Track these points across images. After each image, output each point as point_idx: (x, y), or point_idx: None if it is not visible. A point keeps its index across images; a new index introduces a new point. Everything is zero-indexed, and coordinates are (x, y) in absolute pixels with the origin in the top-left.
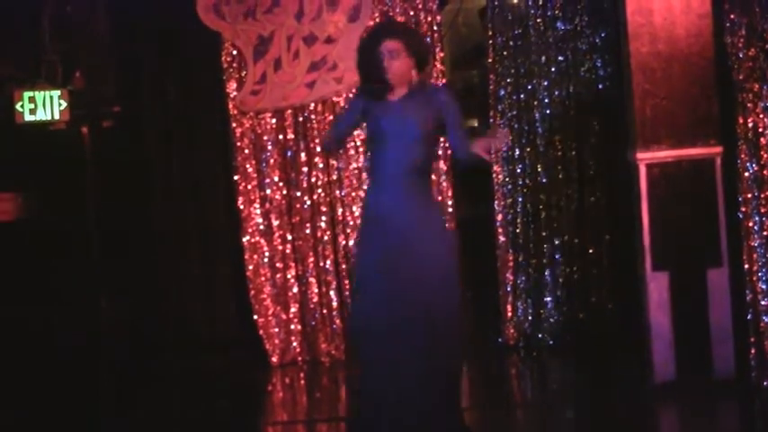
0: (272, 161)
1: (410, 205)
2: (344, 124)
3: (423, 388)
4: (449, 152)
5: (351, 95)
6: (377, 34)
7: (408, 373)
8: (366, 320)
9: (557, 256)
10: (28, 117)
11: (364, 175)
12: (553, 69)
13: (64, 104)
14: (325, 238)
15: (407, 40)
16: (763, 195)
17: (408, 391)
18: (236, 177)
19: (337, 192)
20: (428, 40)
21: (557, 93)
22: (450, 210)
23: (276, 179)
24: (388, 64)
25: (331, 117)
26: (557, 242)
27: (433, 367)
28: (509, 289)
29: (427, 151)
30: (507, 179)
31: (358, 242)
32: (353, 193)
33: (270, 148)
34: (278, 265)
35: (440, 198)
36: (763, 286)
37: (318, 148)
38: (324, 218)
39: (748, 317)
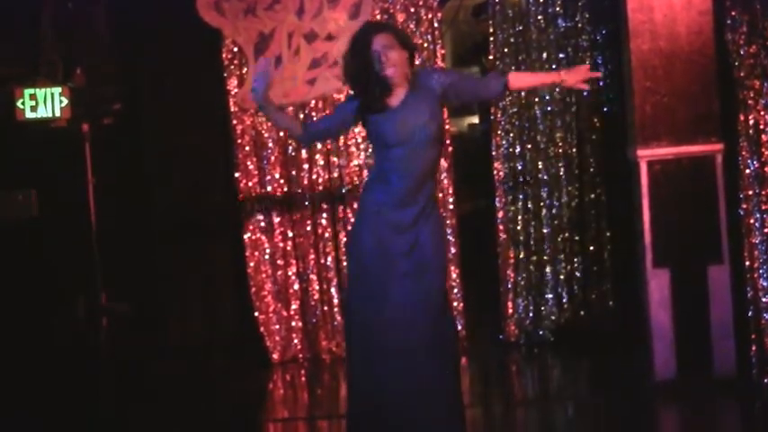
0: (272, 158)
1: (416, 214)
2: (326, 124)
3: (421, 393)
4: (449, 149)
5: (339, 104)
6: (365, 34)
7: (405, 378)
8: (362, 318)
9: (557, 254)
10: (29, 114)
11: (365, 172)
12: (554, 66)
13: (65, 102)
14: (326, 235)
15: (395, 33)
16: (764, 192)
17: (403, 394)
18: (236, 174)
19: (338, 189)
20: (429, 37)
21: (557, 90)
22: (451, 206)
23: (277, 176)
24: (385, 58)
25: None
26: (558, 239)
27: (431, 374)
28: (510, 286)
29: (438, 151)
30: (508, 176)
31: (353, 235)
32: (354, 191)
33: (270, 145)
34: (279, 262)
35: (440, 195)
36: (764, 283)
37: (319, 145)
38: (324, 215)
39: (749, 314)
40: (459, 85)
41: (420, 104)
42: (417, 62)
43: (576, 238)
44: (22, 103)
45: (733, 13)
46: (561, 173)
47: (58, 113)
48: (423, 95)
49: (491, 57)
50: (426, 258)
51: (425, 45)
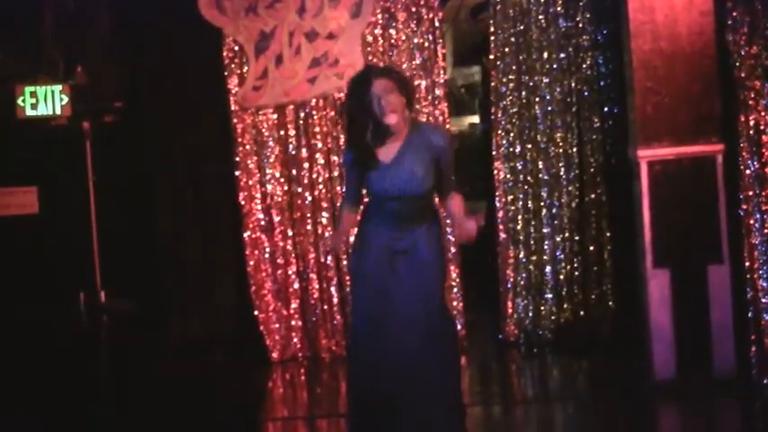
0: (273, 157)
1: (412, 228)
2: (353, 185)
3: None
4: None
5: (344, 159)
6: (364, 78)
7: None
8: (365, 320)
9: (557, 253)
10: (29, 112)
11: None
12: (555, 66)
13: (65, 99)
14: (326, 234)
15: (395, 77)
16: (764, 193)
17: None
18: (237, 173)
19: (338, 188)
20: (429, 36)
21: (558, 90)
22: None
23: (277, 175)
24: (386, 102)
25: (332, 113)
26: (557, 239)
27: (430, 377)
28: (510, 286)
29: (431, 192)
30: (508, 176)
31: (356, 242)
32: None
33: (271, 143)
34: (279, 261)
35: None
36: (764, 284)
37: (320, 144)
38: (325, 214)
39: (749, 314)
40: (440, 166)
41: (415, 158)
42: (416, 83)
43: (577, 238)
44: (23, 101)
45: (734, 14)
46: (561, 173)
47: (58, 111)
48: (421, 149)
49: (491, 56)
50: (425, 259)
51: (426, 44)
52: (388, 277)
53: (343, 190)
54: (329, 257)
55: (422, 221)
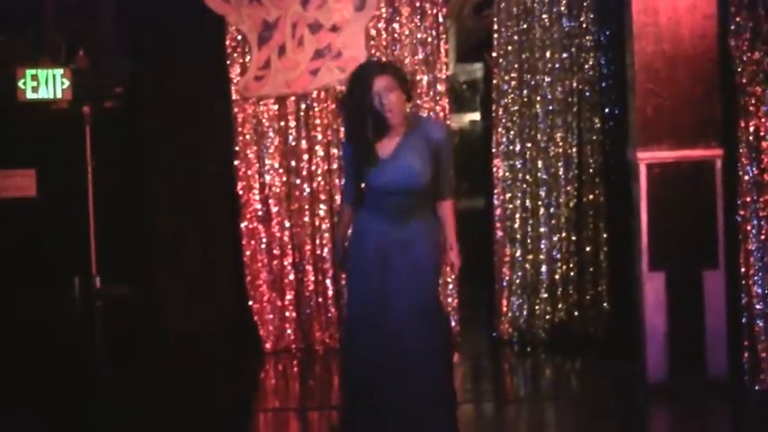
0: (272, 148)
1: (407, 221)
2: (351, 180)
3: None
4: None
5: (343, 153)
6: (365, 75)
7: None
8: (359, 314)
9: (554, 253)
10: (30, 95)
11: None
12: (557, 66)
13: (66, 83)
14: (324, 226)
15: (395, 75)
16: (762, 199)
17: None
18: (236, 162)
19: (337, 180)
20: (433, 32)
21: (560, 89)
22: None
23: (276, 166)
24: (387, 100)
25: (333, 106)
26: (554, 239)
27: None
28: (505, 284)
29: (429, 187)
30: (507, 174)
31: (353, 238)
32: None
33: (271, 134)
34: (275, 251)
35: None
36: (759, 290)
37: (320, 137)
38: (322, 206)
39: (743, 320)
40: (438, 163)
41: (414, 152)
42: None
43: (573, 238)
44: (24, 84)
45: (737, 19)
46: (560, 172)
47: (59, 95)
48: (420, 143)
49: (494, 54)
50: (420, 254)
51: (429, 40)
52: (383, 271)
53: (342, 183)
54: (326, 249)
55: (419, 217)
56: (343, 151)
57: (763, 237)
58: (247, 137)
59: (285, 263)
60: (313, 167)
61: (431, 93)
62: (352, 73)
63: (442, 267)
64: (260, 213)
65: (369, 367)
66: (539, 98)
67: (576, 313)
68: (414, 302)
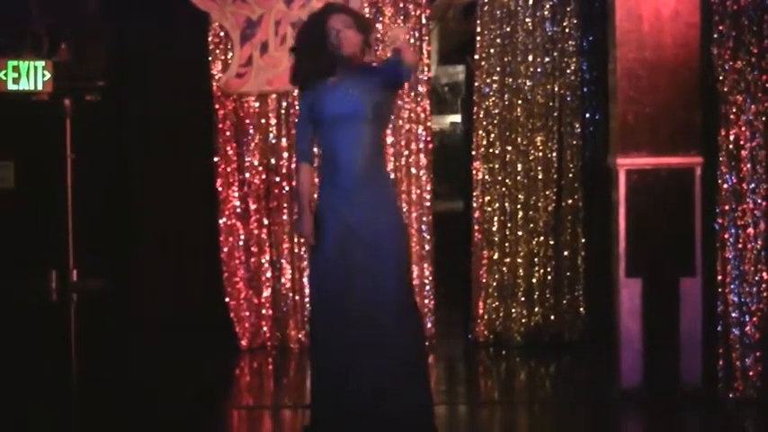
0: (252, 145)
1: (365, 193)
2: (306, 137)
3: (388, 375)
4: (429, 146)
5: (300, 113)
6: (324, 12)
7: (367, 359)
8: (324, 305)
9: (531, 257)
10: (11, 86)
11: None
12: (539, 70)
13: (48, 76)
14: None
15: (354, 15)
16: (740, 208)
17: (369, 377)
18: (215, 159)
19: (316, 179)
20: (416, 33)
21: (541, 93)
22: (428, 204)
23: (256, 163)
24: (343, 35)
25: None
26: (532, 242)
27: (393, 353)
28: (481, 286)
29: (379, 130)
30: (486, 176)
31: (317, 221)
32: None
33: (251, 131)
34: (253, 248)
35: (418, 191)
36: (735, 298)
37: None
38: None
39: (718, 328)
40: (382, 97)
41: (358, 83)
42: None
43: (551, 242)
44: (5, 75)
45: (720, 28)
46: (540, 176)
47: (40, 87)
48: (364, 79)
49: (476, 56)
50: (382, 238)
51: (412, 41)
52: (344, 261)
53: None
54: (303, 248)
55: (374, 182)
56: (299, 105)
57: (740, 245)
58: (227, 133)
59: (263, 260)
60: (293, 165)
61: (412, 94)
62: (309, 13)
63: (407, 240)
64: (238, 210)
65: (336, 357)
66: (520, 102)
67: (552, 317)
68: (380, 291)
